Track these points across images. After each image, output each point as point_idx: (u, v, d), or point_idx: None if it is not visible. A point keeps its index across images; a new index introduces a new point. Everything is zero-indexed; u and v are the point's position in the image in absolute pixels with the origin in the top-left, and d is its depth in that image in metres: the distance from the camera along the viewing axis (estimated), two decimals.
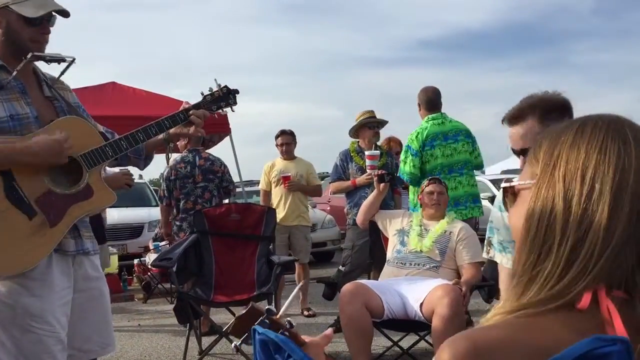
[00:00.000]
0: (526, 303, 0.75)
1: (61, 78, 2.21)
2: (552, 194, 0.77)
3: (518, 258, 0.80)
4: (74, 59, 2.12)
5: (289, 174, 5.46)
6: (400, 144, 5.64)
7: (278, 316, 1.01)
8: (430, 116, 4.52)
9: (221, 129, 7.50)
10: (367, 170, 4.72)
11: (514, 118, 1.95)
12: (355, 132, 5.00)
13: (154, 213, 8.58)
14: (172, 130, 2.25)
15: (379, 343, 3.81)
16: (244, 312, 1.03)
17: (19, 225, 1.90)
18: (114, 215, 7.64)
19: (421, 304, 3.26)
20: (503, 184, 0.88)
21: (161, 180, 5.01)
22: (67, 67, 2.15)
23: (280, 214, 5.28)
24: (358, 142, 4.99)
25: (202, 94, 2.34)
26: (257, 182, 6.33)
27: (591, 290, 0.73)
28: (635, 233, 0.74)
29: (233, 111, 2.43)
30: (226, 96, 2.36)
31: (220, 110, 2.38)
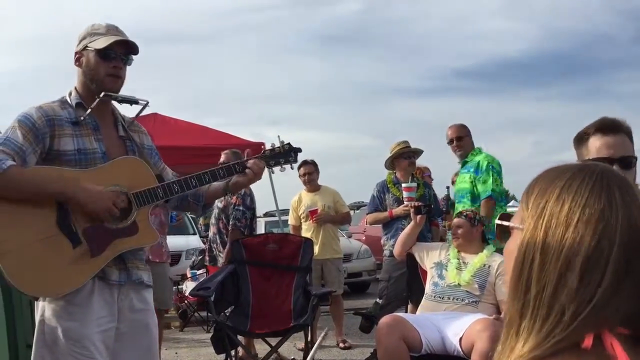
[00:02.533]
0: (527, 351, 0.77)
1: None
2: (532, 243, 0.80)
3: (508, 299, 0.83)
4: (147, 102, 2.23)
5: (316, 208, 5.49)
6: (426, 171, 5.66)
7: None
8: (480, 147, 4.66)
9: (266, 149, 7.59)
10: (405, 202, 4.71)
11: (612, 128, 1.96)
12: (391, 163, 5.01)
13: (192, 241, 8.69)
14: (232, 182, 2.30)
15: None
16: None
17: (63, 251, 1.99)
18: None
19: (460, 339, 3.21)
20: (497, 221, 0.91)
21: (243, 209, 4.91)
22: (142, 109, 2.27)
23: (314, 249, 5.33)
24: (395, 173, 4.99)
25: (262, 148, 2.40)
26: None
27: (593, 332, 0.74)
28: (625, 283, 0.75)
29: (292, 169, 2.45)
30: (287, 154, 2.37)
31: (279, 168, 2.39)
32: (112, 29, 2.16)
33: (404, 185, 4.75)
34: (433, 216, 4.84)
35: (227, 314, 4.28)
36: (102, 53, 2.11)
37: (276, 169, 2.39)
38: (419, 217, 3.77)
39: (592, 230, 0.76)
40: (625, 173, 1.81)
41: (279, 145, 2.37)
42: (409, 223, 4.69)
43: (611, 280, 0.75)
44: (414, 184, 4.74)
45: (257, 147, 7.43)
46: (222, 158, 4.63)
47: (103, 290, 2.06)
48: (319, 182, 5.76)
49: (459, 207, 4.58)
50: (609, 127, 1.95)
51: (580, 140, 1.99)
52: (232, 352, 3.97)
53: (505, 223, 0.89)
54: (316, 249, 5.38)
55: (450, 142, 4.73)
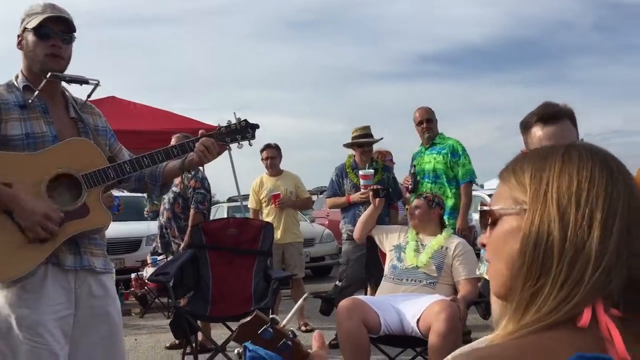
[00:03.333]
0: (525, 324, 0.78)
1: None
2: (547, 220, 0.81)
3: (513, 283, 0.83)
4: (98, 82, 2.17)
5: (279, 192, 5.49)
6: (387, 155, 5.71)
7: (282, 325, 1.02)
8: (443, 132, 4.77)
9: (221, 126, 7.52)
10: (361, 189, 4.72)
11: (552, 117, 1.97)
12: (350, 146, 5.02)
13: (152, 227, 8.57)
14: (187, 160, 2.25)
15: (377, 359, 3.79)
16: (248, 319, 1.03)
17: (12, 236, 1.94)
18: (111, 229, 7.60)
19: (418, 320, 3.26)
20: (481, 207, 0.91)
21: (204, 192, 4.84)
22: (93, 90, 2.20)
23: (275, 232, 5.33)
24: (354, 156, 4.99)
25: (218, 125, 2.34)
26: None
27: (590, 307, 0.76)
28: (622, 254, 0.78)
29: (250, 145, 2.39)
30: (244, 129, 2.32)
31: (237, 144, 2.35)
32: (48, 7, 2.09)
33: (360, 172, 4.76)
34: (392, 199, 4.88)
35: (187, 299, 4.26)
36: (38, 32, 2.05)
37: (234, 145, 2.35)
38: (377, 200, 3.79)
39: (603, 197, 0.80)
40: None
41: (235, 121, 2.32)
42: (365, 208, 4.74)
43: (617, 241, 0.78)
44: (371, 172, 4.74)
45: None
46: (173, 141, 4.50)
47: (57, 276, 2.01)
48: (282, 166, 5.76)
49: (422, 188, 4.65)
50: (549, 116, 1.96)
51: (525, 127, 2.02)
52: (192, 337, 3.95)
53: (496, 208, 0.89)
54: (278, 233, 5.40)
55: (420, 123, 4.77)
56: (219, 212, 10.94)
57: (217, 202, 14.06)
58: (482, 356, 0.75)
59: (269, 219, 5.46)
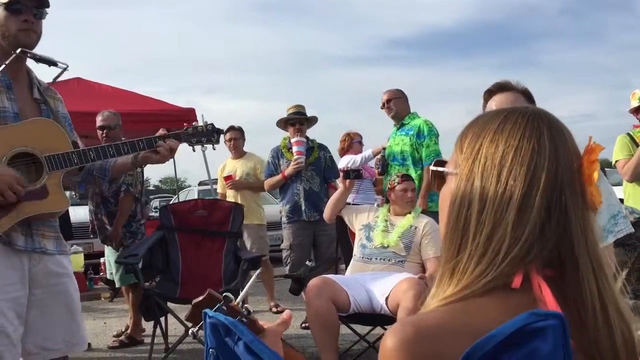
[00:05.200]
0: (452, 293, 0.79)
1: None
2: (470, 188, 0.81)
3: (444, 243, 0.84)
4: (67, 66, 2.14)
5: (231, 174, 5.46)
6: (355, 137, 5.70)
7: (236, 303, 1.01)
8: (416, 112, 4.69)
9: (189, 127, 7.42)
10: (294, 157, 4.69)
11: (503, 87, 2.05)
12: (284, 126, 4.98)
13: None
14: (140, 155, 2.23)
15: (346, 337, 3.83)
16: (200, 298, 1.02)
17: None
18: (80, 213, 7.51)
19: (387, 298, 3.30)
20: (432, 167, 0.92)
21: (132, 173, 4.44)
22: (60, 73, 2.18)
23: None
24: (289, 138, 4.93)
25: (185, 125, 2.37)
26: None
27: (522, 272, 0.77)
28: (552, 225, 0.78)
29: (214, 149, 2.47)
30: (209, 133, 2.37)
31: (201, 146, 2.38)
32: None
33: (293, 140, 4.72)
34: (329, 178, 4.88)
35: (156, 281, 4.22)
36: (9, 7, 2.00)
37: (197, 147, 2.39)
38: (347, 181, 3.80)
39: (525, 170, 0.79)
40: None
41: (202, 124, 2.36)
42: (303, 188, 4.73)
43: (539, 218, 0.78)
44: (303, 139, 4.72)
45: (188, 113, 7.26)
46: (100, 121, 4.32)
47: (9, 255, 1.96)
48: (251, 150, 5.74)
49: (397, 170, 4.63)
50: (500, 88, 2.06)
51: (484, 102, 2.09)
52: (162, 319, 3.93)
53: (440, 169, 0.90)
54: None
55: (383, 105, 4.76)
56: (190, 196, 10.89)
57: (189, 186, 13.91)
58: (421, 322, 0.75)
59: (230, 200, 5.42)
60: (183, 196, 11.24)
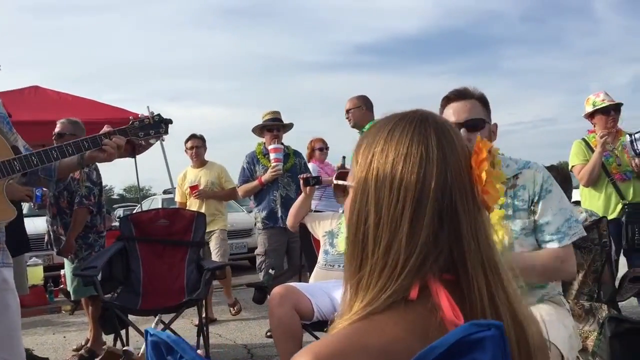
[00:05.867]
0: (355, 312, 0.78)
1: None
2: (365, 201, 0.80)
3: (345, 260, 0.84)
4: None
5: (197, 184, 5.42)
6: (317, 143, 5.70)
7: (139, 354, 0.99)
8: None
9: (135, 120, 7.32)
10: (272, 164, 4.68)
11: (461, 94, 2.06)
12: (259, 132, 4.97)
13: None
14: (87, 155, 2.18)
15: None
16: (100, 357, 1.00)
17: None
18: (39, 225, 7.33)
19: None
20: (334, 181, 0.92)
21: (89, 184, 4.31)
22: None
23: None
24: (264, 144, 4.93)
25: (130, 119, 2.31)
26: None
27: (419, 282, 0.76)
28: (444, 230, 0.78)
29: (163, 140, 2.42)
30: (157, 125, 2.33)
31: (150, 139, 2.35)
32: None
33: (270, 147, 4.72)
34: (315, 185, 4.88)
35: (117, 293, 4.13)
36: None
37: (148, 140, 2.36)
38: (308, 188, 3.79)
39: (415, 179, 0.78)
40: (472, 135, 1.92)
41: (148, 116, 2.32)
42: (280, 194, 4.73)
43: (432, 226, 0.77)
44: (280, 145, 4.73)
45: None
46: (57, 128, 4.16)
47: None
48: (217, 157, 5.71)
49: None
50: (457, 95, 2.07)
51: (442, 106, 2.11)
52: (123, 332, 3.84)
53: (341, 182, 0.89)
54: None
55: (346, 112, 4.79)
56: (154, 204, 10.73)
57: (153, 195, 13.71)
58: (319, 350, 0.74)
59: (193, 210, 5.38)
60: (146, 205, 11.07)
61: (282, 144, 4.86)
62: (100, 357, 0.85)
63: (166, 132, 2.35)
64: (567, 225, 2.03)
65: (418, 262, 0.76)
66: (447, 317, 0.74)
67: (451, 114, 2.03)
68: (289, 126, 5.02)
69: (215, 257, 5.32)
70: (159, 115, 2.34)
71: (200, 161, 5.59)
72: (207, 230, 5.31)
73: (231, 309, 5.46)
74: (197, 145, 5.55)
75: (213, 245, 5.41)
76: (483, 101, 2.08)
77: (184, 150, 5.64)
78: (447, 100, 2.09)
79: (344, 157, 4.75)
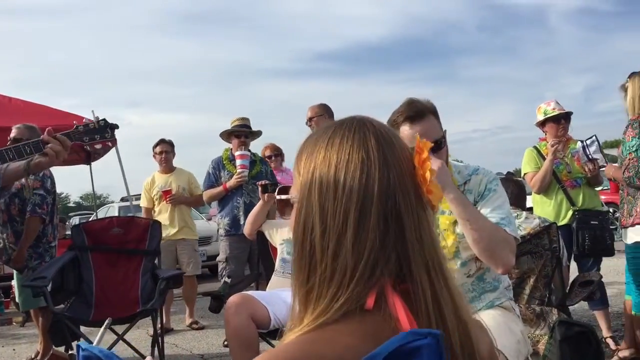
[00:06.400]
0: (307, 323, 0.76)
1: None
2: (311, 212, 0.79)
3: (293, 272, 0.82)
4: None
5: (170, 189, 5.36)
6: (275, 149, 5.69)
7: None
8: None
9: (79, 124, 7.16)
10: (238, 170, 4.66)
11: (417, 116, 1.99)
12: (227, 138, 4.94)
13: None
14: (33, 162, 2.13)
15: None
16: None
17: None
18: None
19: None
20: (277, 196, 0.91)
21: (43, 193, 4.20)
22: None
23: (168, 230, 5.21)
24: (231, 149, 4.91)
25: (74, 124, 2.28)
26: None
27: (375, 291, 0.75)
28: (390, 234, 0.77)
29: (111, 146, 2.45)
30: (102, 129, 2.30)
31: (97, 146, 2.32)
32: None
33: (237, 153, 4.70)
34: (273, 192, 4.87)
35: (69, 304, 4.02)
36: None
37: (95, 145, 2.31)
38: (266, 195, 3.76)
39: (358, 184, 0.77)
40: (436, 155, 1.90)
41: (92, 120, 2.29)
42: (244, 201, 4.71)
43: (378, 230, 0.76)
44: (247, 152, 4.71)
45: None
46: (13, 133, 4.03)
47: None
48: (177, 163, 5.68)
49: None
50: (414, 115, 1.99)
51: (393, 126, 2.05)
52: (74, 344, 3.74)
53: (284, 197, 0.89)
54: (172, 230, 5.30)
55: (308, 120, 4.79)
56: (110, 212, 10.53)
57: (112, 202, 13.45)
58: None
59: (161, 217, 5.35)
60: (102, 213, 10.85)
61: (249, 150, 4.84)
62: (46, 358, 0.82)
63: (112, 137, 2.32)
64: (507, 220, 2.04)
65: (368, 268, 0.75)
66: (404, 328, 0.73)
67: (409, 137, 1.94)
68: (258, 133, 5.00)
69: (187, 268, 5.32)
70: (104, 120, 2.31)
71: (169, 166, 5.55)
72: (177, 238, 5.32)
73: (193, 325, 5.38)
74: (166, 150, 5.52)
75: (186, 257, 5.41)
76: (435, 113, 2.07)
77: (152, 155, 5.58)
78: (404, 120, 2.00)
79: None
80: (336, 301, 0.75)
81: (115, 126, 2.33)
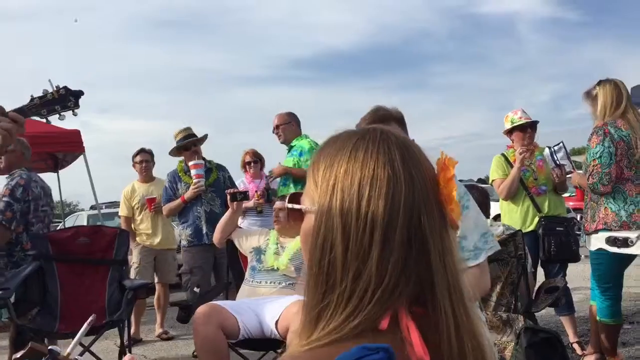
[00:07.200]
0: (317, 338, 0.74)
1: None
2: (331, 228, 0.75)
3: (308, 289, 0.79)
4: None
5: (154, 197, 5.34)
6: (255, 155, 5.68)
7: (67, 353, 0.94)
8: (306, 135, 4.70)
9: (74, 148, 7.08)
10: (194, 180, 4.63)
11: (380, 121, 1.99)
12: (177, 154, 4.89)
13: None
14: None
15: None
16: (22, 352, 0.94)
17: None
18: None
19: (277, 322, 3.26)
20: (287, 204, 0.89)
21: (9, 200, 4.01)
22: None
23: (151, 239, 5.22)
24: (184, 161, 4.85)
25: (31, 96, 2.01)
26: (119, 204, 6.08)
27: (390, 313, 0.73)
28: (413, 255, 0.74)
29: (75, 115, 2.09)
30: (63, 98, 2.04)
31: (58, 115, 2.05)
32: None
33: (190, 163, 4.66)
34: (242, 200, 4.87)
35: (33, 315, 3.93)
36: None
37: (53, 117, 2.07)
38: (235, 203, 3.74)
39: (384, 203, 0.74)
40: None
41: (51, 90, 2.04)
42: (204, 210, 4.67)
43: (402, 251, 0.74)
44: (201, 162, 4.68)
45: (73, 135, 6.90)
46: None
47: None
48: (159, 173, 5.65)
49: (284, 190, 4.66)
50: (378, 122, 1.99)
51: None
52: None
53: (297, 206, 0.84)
54: (154, 239, 5.29)
55: (275, 129, 4.79)
56: (79, 221, 10.35)
57: (81, 210, 13.22)
58: None
59: (142, 226, 5.36)
60: (71, 222, 10.66)
61: (203, 158, 4.79)
62: (23, 352, 0.80)
63: (76, 106, 2.06)
64: (483, 240, 2.08)
65: (388, 291, 0.73)
66: (417, 353, 0.71)
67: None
68: (204, 138, 4.94)
69: (165, 277, 5.36)
70: (65, 87, 2.05)
71: (148, 175, 5.55)
72: (158, 247, 5.34)
73: (162, 335, 5.33)
74: (146, 159, 5.52)
75: (166, 266, 5.46)
76: (400, 121, 2.09)
77: (120, 162, 5.57)
78: (369, 124, 2.05)
79: (267, 176, 4.77)
80: (351, 321, 0.73)
81: (80, 93, 2.07)
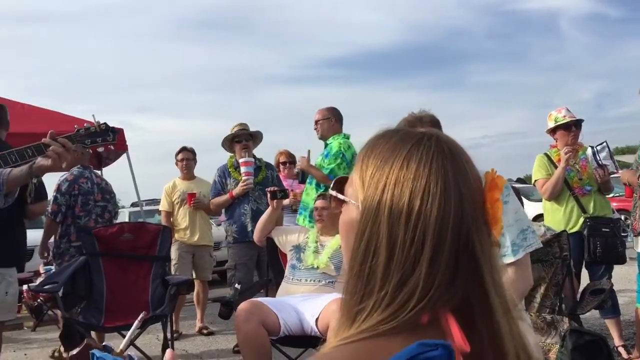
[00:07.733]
0: (353, 334, 0.74)
1: None
2: (376, 234, 0.75)
3: (346, 288, 0.78)
4: None
5: (195, 192, 5.44)
6: (290, 156, 5.70)
7: (120, 350, 0.97)
8: (346, 134, 4.63)
9: (117, 147, 7.23)
10: (243, 178, 4.67)
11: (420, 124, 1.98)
12: (229, 146, 4.95)
13: None
14: (35, 165, 2.14)
15: None
16: (78, 349, 0.97)
17: None
18: None
19: (317, 319, 3.27)
20: (331, 191, 0.88)
21: (56, 194, 4.60)
22: None
23: (188, 236, 5.29)
24: (235, 156, 4.91)
25: (75, 127, 2.31)
26: (159, 201, 6.21)
27: (428, 314, 0.73)
28: (460, 272, 0.74)
29: (113, 149, 2.50)
30: (104, 133, 2.34)
31: (98, 147, 2.36)
32: None
33: (241, 160, 4.71)
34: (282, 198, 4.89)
35: (80, 309, 4.05)
36: None
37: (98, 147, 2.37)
38: (275, 201, 3.77)
39: (435, 217, 0.73)
40: None
41: (93, 123, 2.34)
42: (250, 207, 4.72)
43: (449, 266, 0.74)
44: (251, 159, 4.72)
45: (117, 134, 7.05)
46: None
47: None
48: (201, 172, 5.78)
49: (309, 188, 4.62)
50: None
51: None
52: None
53: (340, 196, 0.85)
54: (192, 236, 5.44)
55: (315, 123, 4.78)
56: (120, 218, 10.56)
57: (122, 207, 13.52)
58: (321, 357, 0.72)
59: (182, 221, 5.45)
60: None
61: (253, 156, 4.85)
62: (78, 349, 0.82)
63: (114, 140, 2.36)
64: (522, 236, 2.04)
65: (430, 303, 0.73)
66: (457, 344, 0.70)
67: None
68: (259, 137, 5.00)
69: (202, 273, 5.47)
70: (105, 123, 2.35)
71: (190, 174, 5.66)
72: (196, 243, 5.41)
73: (203, 330, 5.42)
74: (187, 157, 5.62)
75: (203, 262, 5.55)
76: (438, 125, 2.05)
77: (162, 160, 5.71)
78: None
79: (309, 151, 4.73)
80: (387, 323, 0.73)
81: (117, 130, 2.38)
